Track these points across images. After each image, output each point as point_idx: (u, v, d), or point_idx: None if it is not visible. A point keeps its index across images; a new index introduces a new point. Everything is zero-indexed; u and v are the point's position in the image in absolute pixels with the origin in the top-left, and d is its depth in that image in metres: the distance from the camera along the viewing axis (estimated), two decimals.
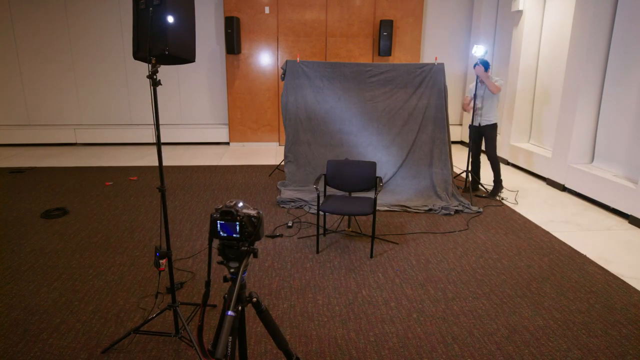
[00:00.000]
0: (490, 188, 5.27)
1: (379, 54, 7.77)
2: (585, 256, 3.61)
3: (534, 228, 4.21)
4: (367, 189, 3.81)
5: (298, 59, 5.18)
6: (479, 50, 4.80)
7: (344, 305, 2.83)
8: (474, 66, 4.83)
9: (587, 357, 2.36)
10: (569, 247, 3.79)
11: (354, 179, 3.81)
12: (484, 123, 5.04)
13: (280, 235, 3.94)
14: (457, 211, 4.59)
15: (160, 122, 2.41)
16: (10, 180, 5.65)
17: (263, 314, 1.60)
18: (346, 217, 4.25)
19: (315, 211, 4.48)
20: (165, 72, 7.90)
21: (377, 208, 4.41)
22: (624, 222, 4.41)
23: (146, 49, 2.07)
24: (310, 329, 2.58)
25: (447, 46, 8.21)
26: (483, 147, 5.21)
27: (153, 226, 4.13)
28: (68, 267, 3.28)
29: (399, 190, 4.97)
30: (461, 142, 8.44)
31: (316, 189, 3.56)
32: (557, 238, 3.98)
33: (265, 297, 2.91)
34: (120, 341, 2.40)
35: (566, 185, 5.40)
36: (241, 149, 7.92)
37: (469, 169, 5.20)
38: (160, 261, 2.30)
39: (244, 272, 1.34)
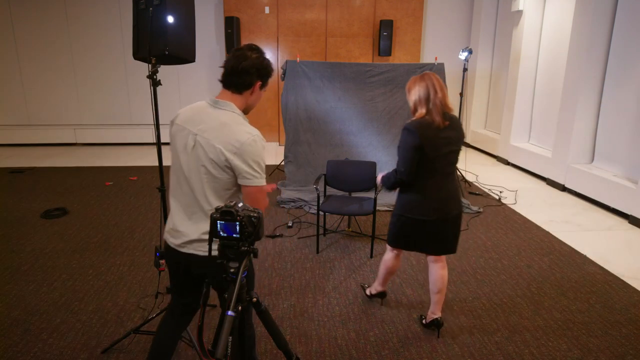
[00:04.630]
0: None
1: (379, 54, 7.77)
2: (585, 256, 3.61)
3: (534, 228, 4.21)
4: (367, 189, 3.81)
5: (298, 59, 5.17)
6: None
7: (344, 305, 2.83)
8: None
9: (587, 357, 2.36)
10: (569, 247, 3.79)
11: (354, 179, 3.80)
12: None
13: (280, 235, 3.94)
14: None
15: (161, 122, 2.41)
16: (10, 180, 5.65)
17: (263, 314, 1.60)
18: (346, 217, 4.25)
19: (315, 211, 4.48)
20: (165, 72, 7.88)
21: (377, 208, 4.40)
22: (624, 222, 4.41)
23: (146, 49, 2.08)
24: (310, 329, 2.58)
25: (447, 46, 8.20)
26: None
27: (153, 226, 4.13)
28: (68, 267, 3.28)
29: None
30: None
31: (316, 189, 3.56)
32: (557, 238, 3.98)
33: (265, 297, 2.91)
34: (120, 341, 2.40)
35: (566, 185, 5.39)
36: None
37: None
38: (160, 261, 2.30)
39: (244, 272, 1.34)
